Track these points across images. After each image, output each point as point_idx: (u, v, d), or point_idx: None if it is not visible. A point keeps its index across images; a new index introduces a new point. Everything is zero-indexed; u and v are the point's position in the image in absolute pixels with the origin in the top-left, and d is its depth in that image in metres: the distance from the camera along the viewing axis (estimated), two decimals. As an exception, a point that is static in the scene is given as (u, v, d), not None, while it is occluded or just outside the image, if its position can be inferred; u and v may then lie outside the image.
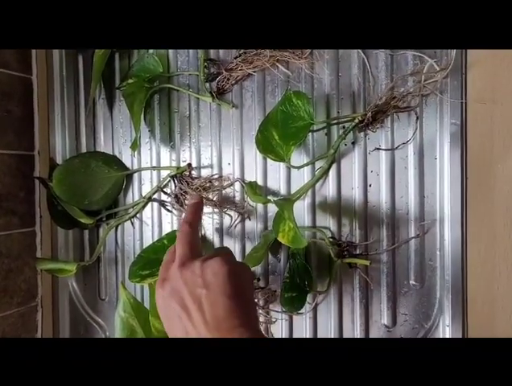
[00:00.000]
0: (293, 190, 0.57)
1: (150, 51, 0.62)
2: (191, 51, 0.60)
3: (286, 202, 0.53)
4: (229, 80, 0.58)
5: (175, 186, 0.61)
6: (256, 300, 0.58)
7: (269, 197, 0.58)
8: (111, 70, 0.64)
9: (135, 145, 0.60)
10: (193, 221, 0.46)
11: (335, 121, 0.55)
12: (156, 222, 0.64)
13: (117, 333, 0.60)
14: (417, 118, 0.52)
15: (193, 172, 0.61)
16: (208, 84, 0.59)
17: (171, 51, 0.62)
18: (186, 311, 0.39)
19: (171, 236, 0.60)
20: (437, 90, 0.52)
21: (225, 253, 0.43)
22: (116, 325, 0.60)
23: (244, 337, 0.37)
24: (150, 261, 0.59)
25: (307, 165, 0.56)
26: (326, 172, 0.56)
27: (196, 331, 0.39)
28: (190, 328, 0.39)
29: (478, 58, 0.51)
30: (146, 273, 0.59)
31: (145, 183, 0.64)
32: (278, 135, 0.54)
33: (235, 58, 0.57)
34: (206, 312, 0.39)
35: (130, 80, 0.61)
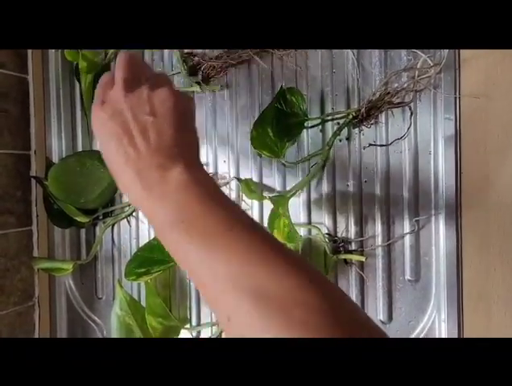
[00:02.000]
0: (288, 187, 0.57)
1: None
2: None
3: (281, 198, 0.53)
4: (214, 67, 0.58)
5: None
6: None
7: (264, 194, 0.58)
8: (107, 70, 0.64)
9: None
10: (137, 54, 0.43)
11: (329, 118, 0.55)
12: (152, 220, 0.64)
13: (114, 332, 0.60)
14: (411, 114, 0.52)
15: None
16: (192, 78, 0.59)
17: (145, 54, 0.63)
18: (128, 134, 0.38)
19: None
20: (431, 85, 0.52)
21: (168, 83, 0.41)
22: (112, 323, 0.60)
23: (182, 166, 0.37)
24: (146, 260, 0.59)
25: (302, 161, 0.56)
26: (321, 168, 0.56)
27: (136, 154, 0.37)
28: (131, 151, 0.38)
29: (472, 53, 0.51)
30: (142, 270, 0.59)
31: (141, 182, 0.64)
32: (272, 132, 0.54)
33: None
34: (150, 138, 0.38)
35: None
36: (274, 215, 0.54)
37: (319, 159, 0.55)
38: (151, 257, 0.59)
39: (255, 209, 0.59)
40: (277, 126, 0.54)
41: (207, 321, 0.62)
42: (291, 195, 0.55)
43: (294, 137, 0.55)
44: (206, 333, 0.62)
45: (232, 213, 0.36)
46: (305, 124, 0.55)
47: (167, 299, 0.63)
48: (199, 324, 0.62)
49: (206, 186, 0.37)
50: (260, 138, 0.55)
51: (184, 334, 0.63)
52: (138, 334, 0.60)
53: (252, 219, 0.37)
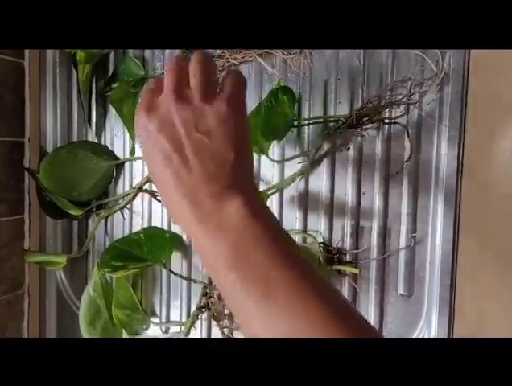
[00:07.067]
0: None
1: (130, 54, 0.61)
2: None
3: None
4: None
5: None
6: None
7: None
8: (105, 61, 0.62)
9: (134, 151, 0.60)
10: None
11: (310, 121, 0.55)
12: (146, 213, 0.63)
13: (82, 310, 0.61)
14: (407, 132, 0.51)
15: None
16: None
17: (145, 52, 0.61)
18: (180, 153, 0.33)
19: (149, 232, 0.60)
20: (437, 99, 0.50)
21: (234, 89, 0.35)
22: (82, 302, 0.61)
23: (240, 199, 0.33)
24: (123, 253, 0.58)
25: (287, 160, 0.56)
26: (307, 171, 0.55)
27: (189, 178, 0.33)
28: (183, 173, 0.33)
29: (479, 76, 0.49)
30: (118, 264, 0.58)
31: (136, 177, 0.63)
32: (260, 130, 0.53)
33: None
34: (206, 161, 0.33)
35: (114, 85, 0.60)
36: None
37: (306, 161, 0.54)
38: (129, 252, 0.59)
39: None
40: (264, 125, 0.52)
41: (175, 317, 0.63)
42: (270, 194, 0.55)
43: (280, 135, 0.53)
44: (175, 329, 0.63)
45: (289, 257, 0.32)
46: (294, 123, 0.53)
47: (138, 290, 0.63)
48: (168, 320, 0.63)
49: (265, 225, 0.33)
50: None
51: (153, 329, 0.63)
52: (105, 316, 0.60)
53: (307, 262, 0.34)
